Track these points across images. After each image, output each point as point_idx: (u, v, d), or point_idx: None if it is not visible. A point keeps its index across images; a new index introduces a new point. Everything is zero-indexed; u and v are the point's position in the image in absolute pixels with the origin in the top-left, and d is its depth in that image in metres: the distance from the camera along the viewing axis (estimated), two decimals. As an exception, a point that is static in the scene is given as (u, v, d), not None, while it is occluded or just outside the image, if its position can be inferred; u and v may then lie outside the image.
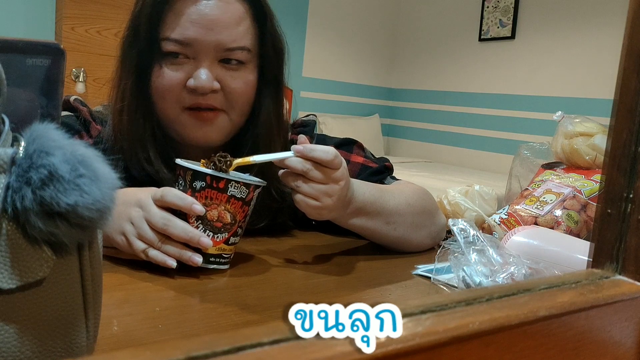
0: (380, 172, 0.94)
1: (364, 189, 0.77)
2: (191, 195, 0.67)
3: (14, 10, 3.36)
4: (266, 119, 0.86)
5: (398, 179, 0.95)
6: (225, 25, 0.77)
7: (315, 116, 1.02)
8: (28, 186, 0.31)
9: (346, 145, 0.96)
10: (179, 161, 0.70)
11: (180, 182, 0.70)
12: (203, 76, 0.77)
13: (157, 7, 0.77)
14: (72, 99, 0.88)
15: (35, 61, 0.38)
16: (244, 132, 0.87)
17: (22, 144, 0.33)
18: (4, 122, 0.34)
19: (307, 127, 0.96)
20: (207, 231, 0.68)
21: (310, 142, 0.90)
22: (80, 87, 3.30)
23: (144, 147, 0.81)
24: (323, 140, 0.96)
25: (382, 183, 0.92)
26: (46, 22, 3.43)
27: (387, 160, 0.97)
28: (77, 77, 3.30)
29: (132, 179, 0.81)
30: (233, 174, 0.76)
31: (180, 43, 0.77)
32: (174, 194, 0.66)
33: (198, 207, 0.65)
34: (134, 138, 0.81)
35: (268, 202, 0.87)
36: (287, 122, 0.93)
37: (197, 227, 0.67)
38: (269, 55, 0.85)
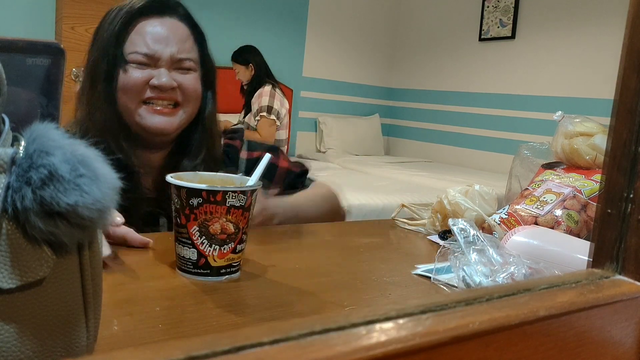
0: (302, 174, 1.19)
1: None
2: (189, 213, 0.66)
3: (14, 10, 3.36)
4: (208, 116, 1.09)
5: (313, 180, 1.19)
6: (177, 41, 1.02)
7: (243, 123, 1.17)
8: (28, 186, 0.31)
9: (274, 151, 1.18)
10: (170, 179, 0.68)
11: (176, 200, 0.68)
12: (164, 76, 1.00)
13: (122, 29, 1.00)
14: None
15: (36, 61, 0.38)
16: (192, 127, 1.07)
17: (22, 143, 0.33)
18: (4, 122, 0.34)
19: (237, 134, 1.16)
20: (213, 245, 0.67)
21: (240, 147, 1.19)
22: (80, 87, 3.30)
23: (116, 136, 0.99)
24: (254, 146, 1.17)
25: (303, 184, 1.18)
26: (46, 21, 3.43)
27: (303, 165, 1.22)
28: (77, 77, 3.30)
29: None
30: (225, 177, 0.76)
31: (146, 55, 0.99)
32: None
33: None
34: (105, 129, 0.99)
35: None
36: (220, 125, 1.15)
37: (201, 243, 0.67)
38: (207, 68, 1.09)
